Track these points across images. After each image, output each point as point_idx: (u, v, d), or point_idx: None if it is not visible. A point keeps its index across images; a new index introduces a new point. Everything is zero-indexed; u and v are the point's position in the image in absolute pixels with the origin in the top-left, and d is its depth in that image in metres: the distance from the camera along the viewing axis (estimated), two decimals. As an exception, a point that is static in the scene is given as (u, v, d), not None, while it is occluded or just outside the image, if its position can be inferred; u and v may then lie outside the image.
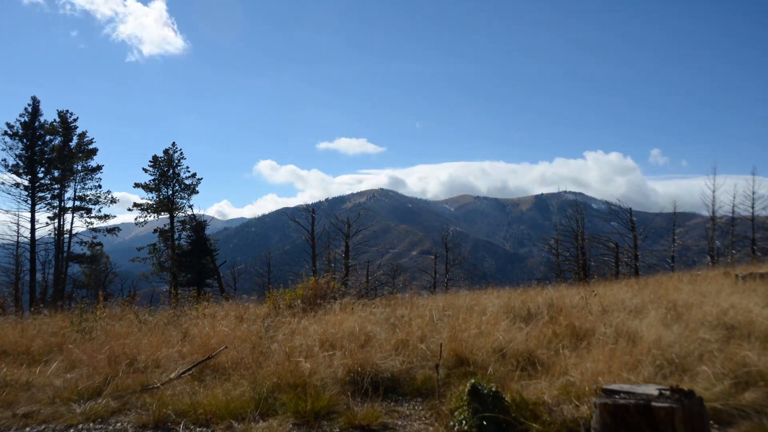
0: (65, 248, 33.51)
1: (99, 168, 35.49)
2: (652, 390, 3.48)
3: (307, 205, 33.74)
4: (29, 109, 33.12)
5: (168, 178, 35.53)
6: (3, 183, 32.07)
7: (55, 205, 33.73)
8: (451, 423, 4.40)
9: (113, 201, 35.89)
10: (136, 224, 35.54)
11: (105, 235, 35.42)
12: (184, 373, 5.94)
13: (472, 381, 4.51)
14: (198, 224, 34.08)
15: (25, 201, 32.65)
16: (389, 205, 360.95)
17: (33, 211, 32.64)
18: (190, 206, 35.61)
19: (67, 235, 33.88)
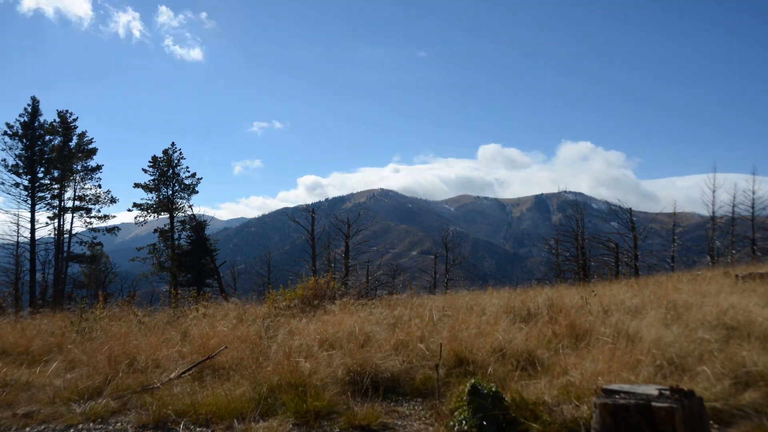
0: (65, 248, 33.51)
1: (99, 168, 35.54)
2: (652, 390, 3.48)
3: (307, 205, 33.75)
4: (29, 109, 33.13)
5: (168, 178, 35.54)
6: (3, 183, 32.12)
7: (55, 205, 33.76)
8: (451, 423, 4.40)
9: (113, 201, 35.92)
10: (136, 224, 35.54)
11: (104, 235, 35.43)
12: (184, 373, 5.94)
13: (472, 381, 4.50)
14: (198, 224, 34.07)
15: (25, 201, 32.68)
16: (389, 205, 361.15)
17: (33, 211, 32.65)
18: (190, 206, 35.66)
19: (67, 235, 33.90)
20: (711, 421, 4.12)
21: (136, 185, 35.40)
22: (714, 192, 27.50)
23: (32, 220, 32.44)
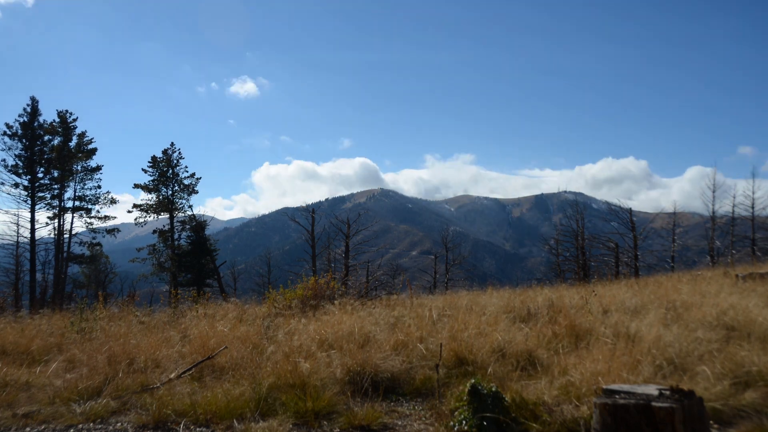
0: (65, 248, 33.49)
1: (99, 168, 35.47)
2: (652, 390, 3.48)
3: (307, 205, 33.71)
4: (28, 109, 33.11)
5: (167, 178, 35.55)
6: (3, 183, 32.09)
7: (55, 205, 33.72)
8: (451, 423, 4.40)
9: (113, 201, 35.89)
10: (136, 224, 35.53)
11: (104, 236, 35.41)
12: (183, 373, 5.94)
13: (472, 381, 4.51)
14: (198, 224, 34.08)
15: (25, 201, 32.65)
16: (389, 205, 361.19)
17: (33, 211, 32.63)
18: (190, 206, 35.67)
19: (66, 235, 33.88)
20: (711, 421, 4.13)
21: (136, 186, 35.40)
22: (714, 192, 27.52)
23: (32, 220, 32.43)
